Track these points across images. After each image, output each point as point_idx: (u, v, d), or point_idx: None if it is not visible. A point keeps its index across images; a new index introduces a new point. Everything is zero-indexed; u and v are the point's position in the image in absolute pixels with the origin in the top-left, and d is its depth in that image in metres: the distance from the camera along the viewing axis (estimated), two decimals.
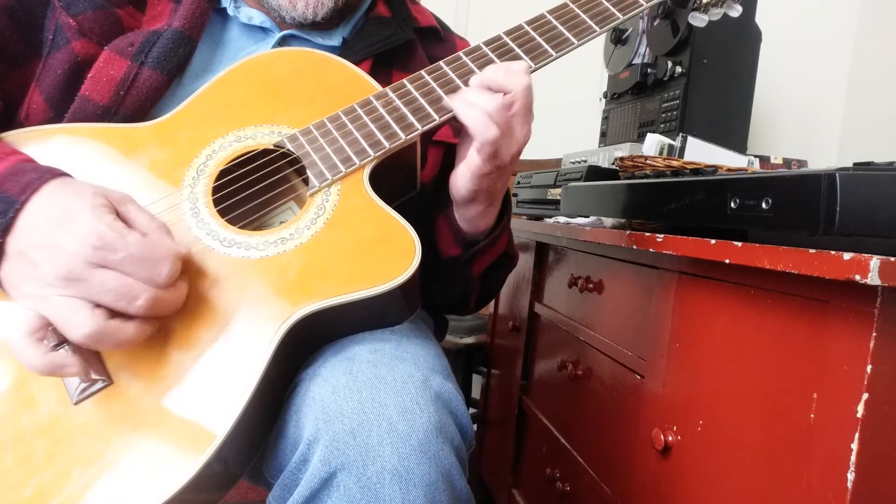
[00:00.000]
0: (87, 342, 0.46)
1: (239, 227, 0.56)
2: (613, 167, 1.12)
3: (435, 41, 0.79)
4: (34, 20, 0.62)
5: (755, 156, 1.14)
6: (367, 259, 0.54)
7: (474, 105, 0.58)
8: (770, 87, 1.57)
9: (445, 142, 0.76)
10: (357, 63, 0.67)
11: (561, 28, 0.66)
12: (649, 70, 1.28)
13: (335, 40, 0.72)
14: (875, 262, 0.44)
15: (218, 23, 0.69)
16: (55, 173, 0.50)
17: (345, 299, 0.52)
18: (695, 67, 1.20)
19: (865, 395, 0.47)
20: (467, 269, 0.69)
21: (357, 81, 0.65)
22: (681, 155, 1.08)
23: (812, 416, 0.52)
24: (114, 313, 0.47)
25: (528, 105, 0.59)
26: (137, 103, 0.62)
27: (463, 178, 0.61)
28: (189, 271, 0.52)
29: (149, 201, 0.55)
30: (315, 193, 0.58)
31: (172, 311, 0.50)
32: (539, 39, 0.65)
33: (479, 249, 0.68)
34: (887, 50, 1.52)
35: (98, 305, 0.46)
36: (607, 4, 0.67)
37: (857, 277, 0.45)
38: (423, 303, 0.78)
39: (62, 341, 0.50)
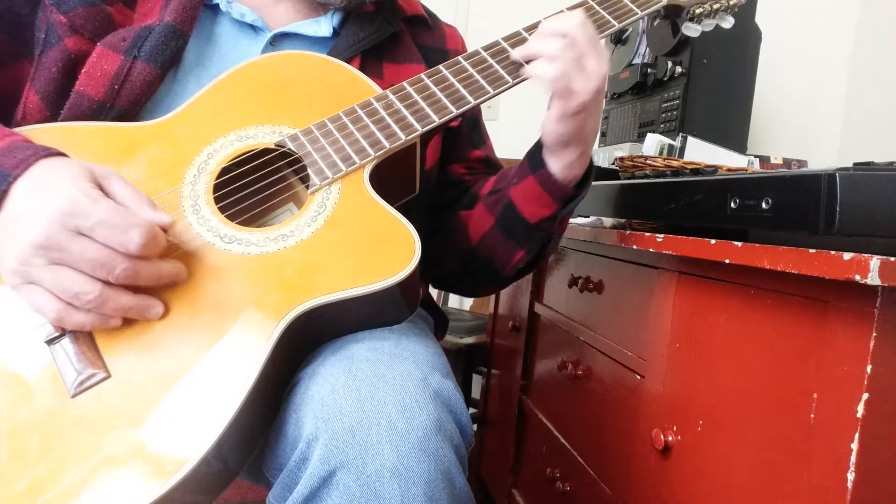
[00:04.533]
0: (89, 305, 0.47)
1: (238, 224, 0.56)
2: (613, 167, 1.12)
3: (423, 29, 0.79)
4: (20, 19, 0.63)
5: (755, 156, 1.13)
6: (367, 256, 0.54)
7: (537, 52, 0.62)
8: (770, 87, 1.57)
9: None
10: (346, 61, 0.68)
11: None
12: (649, 70, 1.28)
13: (325, 30, 0.72)
14: (875, 262, 0.44)
15: (209, 18, 0.69)
16: (50, 151, 0.51)
17: (344, 295, 0.52)
18: (695, 67, 1.20)
19: (865, 395, 0.47)
20: (559, 227, 0.70)
21: (357, 84, 0.65)
22: (681, 155, 1.08)
23: (812, 416, 0.52)
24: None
25: (588, 38, 0.61)
26: (132, 97, 0.62)
27: (550, 123, 0.63)
28: (189, 267, 0.53)
29: None
30: (316, 192, 0.58)
31: (155, 285, 0.50)
32: None
33: (578, 202, 0.68)
34: (887, 50, 1.52)
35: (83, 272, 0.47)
36: (603, 13, 0.70)
37: (857, 277, 0.45)
38: (486, 278, 0.78)
39: (61, 333, 0.50)
